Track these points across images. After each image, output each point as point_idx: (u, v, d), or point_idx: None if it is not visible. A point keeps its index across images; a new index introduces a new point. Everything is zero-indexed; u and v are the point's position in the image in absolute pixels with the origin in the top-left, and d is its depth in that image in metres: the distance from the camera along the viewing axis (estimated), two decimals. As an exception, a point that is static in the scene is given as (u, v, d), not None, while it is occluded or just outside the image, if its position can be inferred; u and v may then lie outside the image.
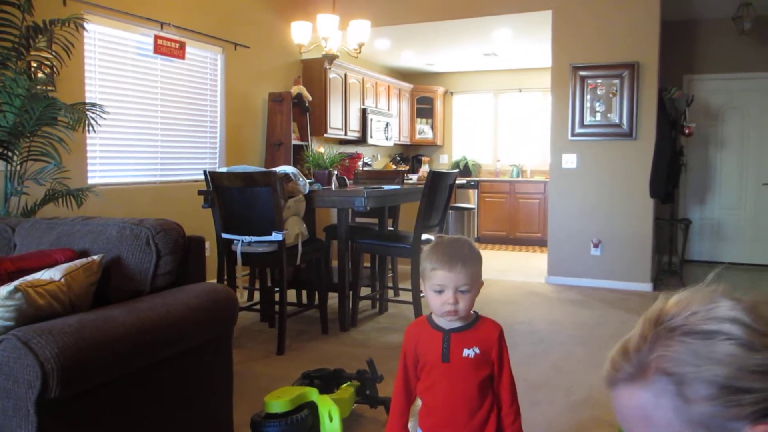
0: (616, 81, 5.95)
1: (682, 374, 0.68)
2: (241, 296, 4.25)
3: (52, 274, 1.78)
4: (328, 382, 2.85)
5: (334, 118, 7.38)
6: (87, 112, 3.73)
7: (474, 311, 1.72)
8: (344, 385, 2.82)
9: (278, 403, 2.36)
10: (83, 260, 1.90)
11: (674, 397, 0.68)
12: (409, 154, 10.14)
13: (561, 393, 3.21)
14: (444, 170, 5.46)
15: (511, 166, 9.55)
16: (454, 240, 1.68)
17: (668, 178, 5.72)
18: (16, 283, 1.63)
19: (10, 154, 3.48)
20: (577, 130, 6.05)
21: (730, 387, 0.66)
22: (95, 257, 1.95)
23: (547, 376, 3.46)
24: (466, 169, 9.70)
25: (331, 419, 2.43)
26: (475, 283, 1.64)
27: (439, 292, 1.62)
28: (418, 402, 1.88)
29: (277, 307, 4.02)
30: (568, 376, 3.47)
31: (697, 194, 7.44)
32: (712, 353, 0.67)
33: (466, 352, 1.65)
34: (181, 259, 2.17)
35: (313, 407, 2.47)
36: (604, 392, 2.78)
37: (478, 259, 1.67)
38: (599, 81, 6.01)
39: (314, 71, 7.13)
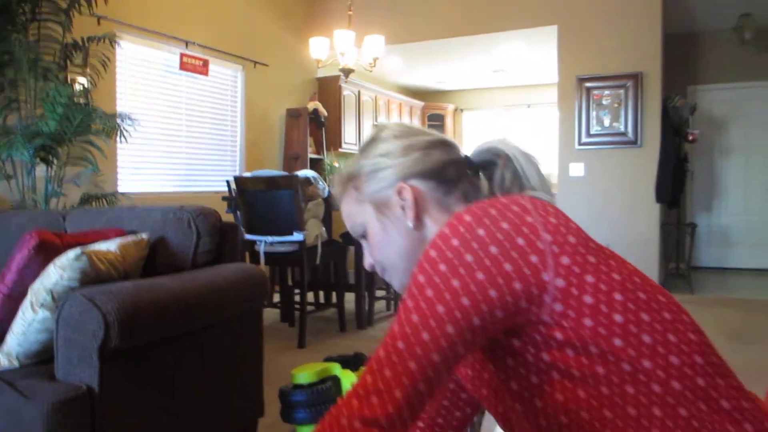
0: (621, 91, 6.17)
1: (356, 174, 1.00)
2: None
3: (109, 246, 2.01)
4: (349, 364, 3.05)
5: (349, 133, 7.64)
6: (120, 123, 4.01)
7: None
8: (363, 367, 3.01)
9: (304, 374, 2.56)
10: (134, 236, 2.13)
11: (353, 191, 1.00)
12: (421, 170, 10.37)
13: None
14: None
15: (521, 179, 9.75)
16: None
17: (674, 182, 5.91)
18: (81, 248, 1.86)
19: (51, 158, 3.75)
20: (584, 139, 6.26)
21: (376, 169, 0.98)
22: (143, 236, 2.18)
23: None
24: (477, 184, 9.91)
25: (353, 390, 2.62)
26: None
27: None
28: None
29: (297, 301, 4.22)
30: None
31: (704, 201, 7.61)
32: (367, 154, 1.00)
33: None
34: (218, 241, 2.39)
35: (336, 380, 2.66)
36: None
37: None
38: (604, 92, 6.23)
39: (329, 88, 7.42)
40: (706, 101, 7.51)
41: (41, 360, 1.98)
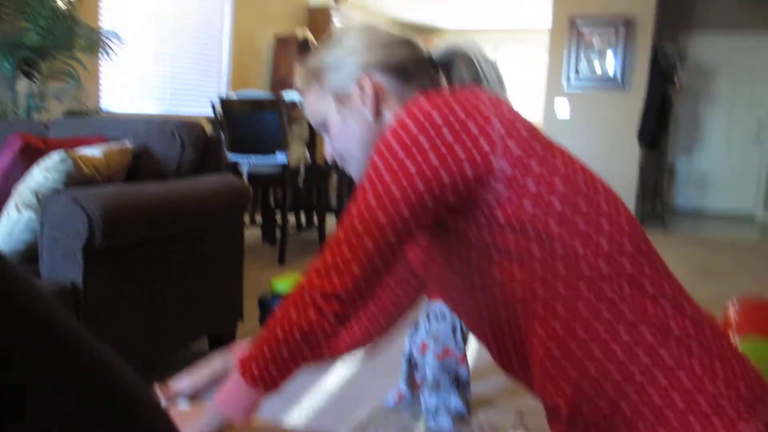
0: (612, 34, 6.16)
1: (318, 68, 1.01)
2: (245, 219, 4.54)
3: (93, 152, 2.04)
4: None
5: (336, 63, 7.58)
6: (104, 39, 3.96)
7: None
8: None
9: (283, 283, 2.66)
10: (118, 143, 2.16)
11: (316, 85, 1.02)
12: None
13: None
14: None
15: (507, 119, 9.78)
16: None
17: (657, 124, 5.97)
18: (66, 151, 1.90)
19: (33, 72, 3.72)
20: (572, 82, 6.28)
21: (338, 62, 0.99)
22: (128, 143, 2.22)
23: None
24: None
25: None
26: None
27: None
28: None
29: (279, 220, 4.30)
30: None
31: (686, 146, 7.70)
32: (330, 49, 1.02)
33: None
34: (202, 153, 2.43)
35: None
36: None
37: None
38: (595, 34, 6.21)
39: (319, 19, 7.31)
40: (697, 49, 7.50)
41: (26, 260, 2.04)
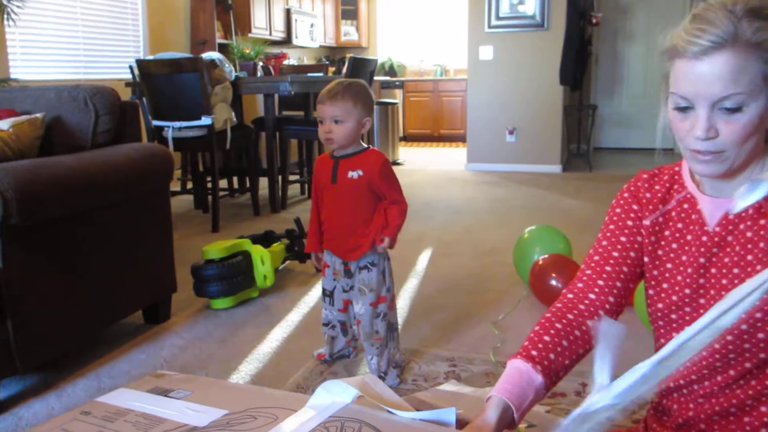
0: (530, -27, 6.20)
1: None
2: (174, 186, 4.45)
3: (1, 125, 1.97)
4: (260, 242, 3.15)
5: (258, 17, 7.38)
6: (5, 2, 3.75)
7: (367, 145, 2.01)
8: (275, 244, 3.12)
9: (215, 250, 2.66)
10: (27, 116, 2.09)
11: (762, 63, 0.84)
12: (335, 57, 10.21)
13: (470, 247, 3.64)
14: (364, 57, 5.63)
15: (434, 66, 9.79)
16: (344, 80, 1.95)
17: (576, 65, 6.10)
18: (-30, 126, 1.83)
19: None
20: (493, 22, 6.32)
21: None
22: (38, 114, 2.15)
23: (459, 236, 3.89)
24: (391, 71, 9.87)
25: (263, 263, 2.75)
26: (349, 116, 1.89)
27: (320, 122, 1.92)
28: None
29: (210, 187, 4.24)
30: (477, 234, 3.91)
31: (607, 86, 7.92)
32: None
33: (350, 174, 1.94)
34: (118, 121, 2.38)
35: (246, 255, 2.77)
36: (505, 244, 3.16)
37: (360, 98, 1.90)
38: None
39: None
40: (612, -16, 7.64)
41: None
